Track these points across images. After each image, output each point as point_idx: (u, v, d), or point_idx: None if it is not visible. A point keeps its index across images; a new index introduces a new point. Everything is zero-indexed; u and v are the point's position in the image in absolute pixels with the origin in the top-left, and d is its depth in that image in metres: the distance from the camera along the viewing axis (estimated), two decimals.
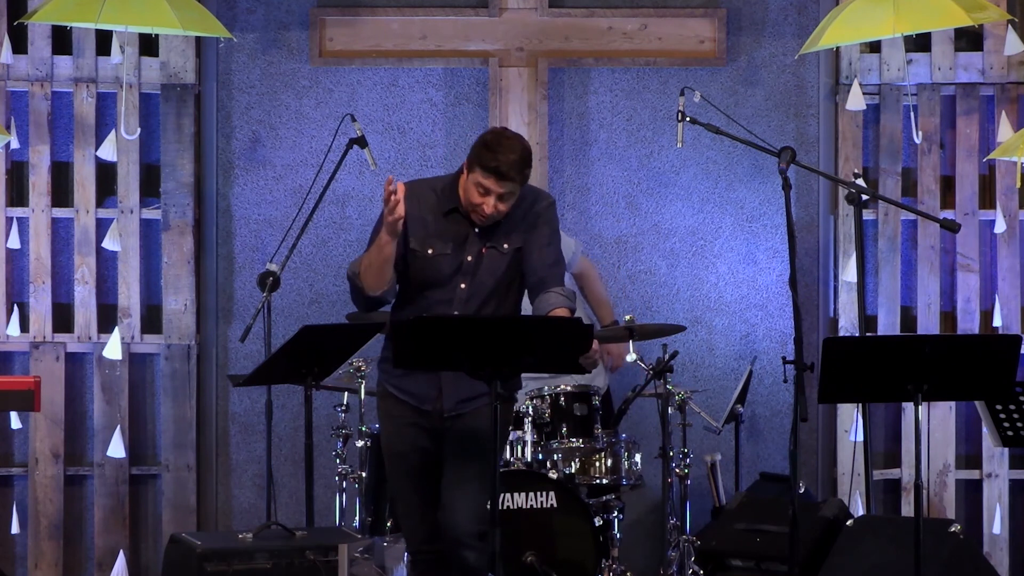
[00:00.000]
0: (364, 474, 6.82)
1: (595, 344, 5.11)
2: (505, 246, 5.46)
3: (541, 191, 5.65)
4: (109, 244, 7.48)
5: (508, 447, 6.60)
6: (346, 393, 6.93)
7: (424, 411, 5.48)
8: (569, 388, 6.70)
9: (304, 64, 7.67)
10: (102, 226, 7.53)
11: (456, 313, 5.40)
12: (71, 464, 7.56)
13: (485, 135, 5.45)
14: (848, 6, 7.04)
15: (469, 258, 5.44)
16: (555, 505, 6.51)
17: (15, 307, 7.53)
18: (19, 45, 7.51)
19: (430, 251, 5.44)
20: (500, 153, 5.34)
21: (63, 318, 7.56)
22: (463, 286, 5.43)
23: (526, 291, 5.55)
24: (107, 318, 7.55)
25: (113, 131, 7.41)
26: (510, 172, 5.34)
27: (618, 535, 6.64)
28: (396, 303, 5.57)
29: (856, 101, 7.51)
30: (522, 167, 5.37)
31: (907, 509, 7.41)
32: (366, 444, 6.83)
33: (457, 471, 5.43)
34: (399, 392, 5.51)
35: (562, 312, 5.34)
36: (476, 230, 5.45)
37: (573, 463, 6.69)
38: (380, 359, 5.64)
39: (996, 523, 7.55)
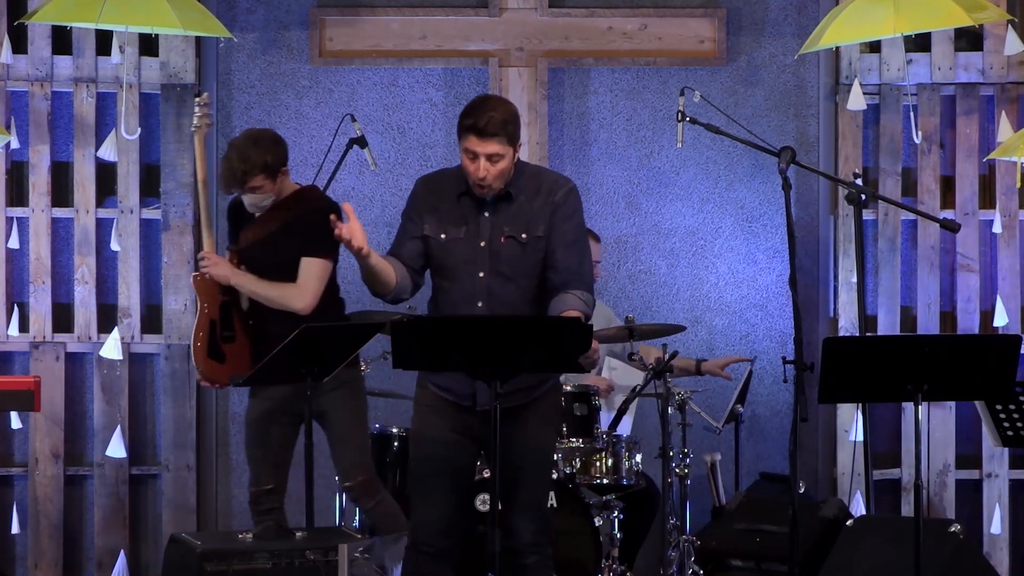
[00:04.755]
0: None
1: (595, 344, 5.10)
2: (524, 236, 5.38)
3: (559, 177, 5.53)
4: (116, 245, 7.48)
5: None
6: None
7: (464, 407, 5.41)
8: (569, 388, 6.70)
9: (304, 64, 7.67)
10: (102, 226, 7.54)
11: (480, 304, 5.35)
12: (71, 464, 7.56)
13: (470, 101, 5.42)
14: (848, 6, 7.05)
15: (482, 244, 5.38)
16: (555, 505, 6.51)
17: (15, 307, 7.53)
18: (19, 45, 7.51)
19: (443, 236, 5.39)
20: (480, 112, 5.30)
21: (63, 318, 7.56)
22: (481, 275, 5.37)
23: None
24: (107, 318, 7.55)
25: (113, 131, 7.42)
26: (489, 127, 5.27)
27: (618, 535, 6.63)
28: (430, 298, 5.54)
29: (856, 101, 7.51)
30: (504, 124, 5.29)
31: (907, 509, 7.41)
32: None
33: (511, 477, 5.32)
34: (438, 389, 5.45)
35: (573, 315, 5.26)
36: (486, 214, 5.41)
37: (573, 463, 6.69)
38: None
39: (996, 523, 7.55)
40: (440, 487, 5.43)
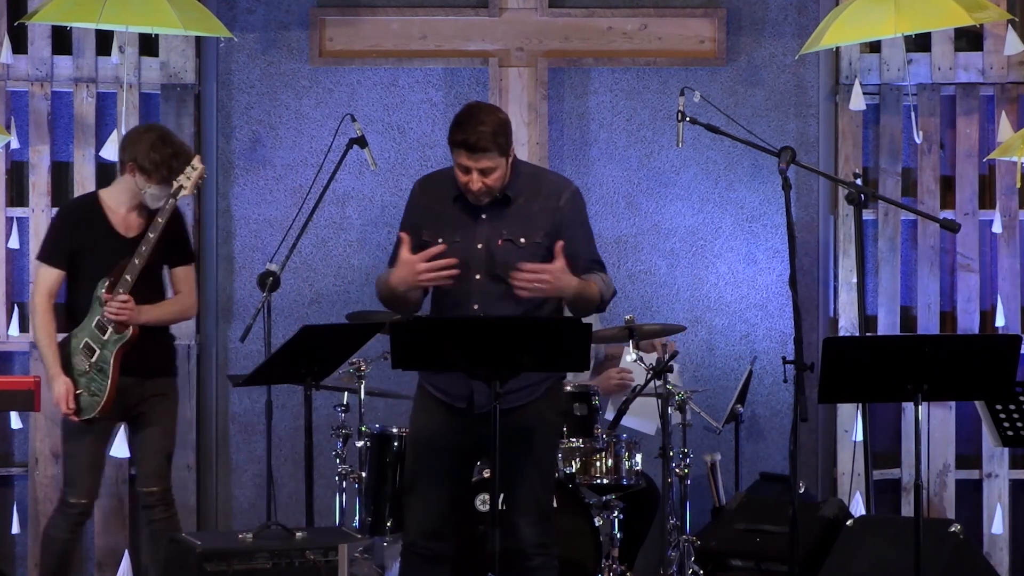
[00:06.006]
0: (364, 474, 6.82)
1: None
2: (522, 240, 5.38)
3: (562, 180, 5.54)
4: None
5: None
6: (346, 393, 6.93)
7: (459, 409, 5.43)
8: (569, 388, 6.70)
9: (304, 64, 7.67)
10: None
11: (476, 306, 5.35)
12: None
13: (458, 112, 5.39)
14: (848, 6, 7.05)
15: (479, 246, 5.37)
16: (555, 505, 6.50)
17: (15, 307, 7.53)
18: (19, 45, 7.51)
19: (440, 240, 5.38)
20: (469, 127, 5.27)
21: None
22: (478, 277, 5.36)
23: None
24: None
25: (114, 131, 7.41)
26: (480, 143, 5.25)
27: (618, 535, 6.63)
28: (432, 300, 5.54)
29: (856, 101, 7.51)
30: (495, 136, 5.27)
31: (907, 509, 7.41)
32: (366, 444, 6.83)
33: (511, 479, 5.34)
34: (435, 390, 5.46)
35: (593, 288, 5.33)
36: (483, 216, 5.40)
37: (573, 463, 6.69)
38: None
39: (996, 523, 7.55)
40: (433, 490, 5.45)
